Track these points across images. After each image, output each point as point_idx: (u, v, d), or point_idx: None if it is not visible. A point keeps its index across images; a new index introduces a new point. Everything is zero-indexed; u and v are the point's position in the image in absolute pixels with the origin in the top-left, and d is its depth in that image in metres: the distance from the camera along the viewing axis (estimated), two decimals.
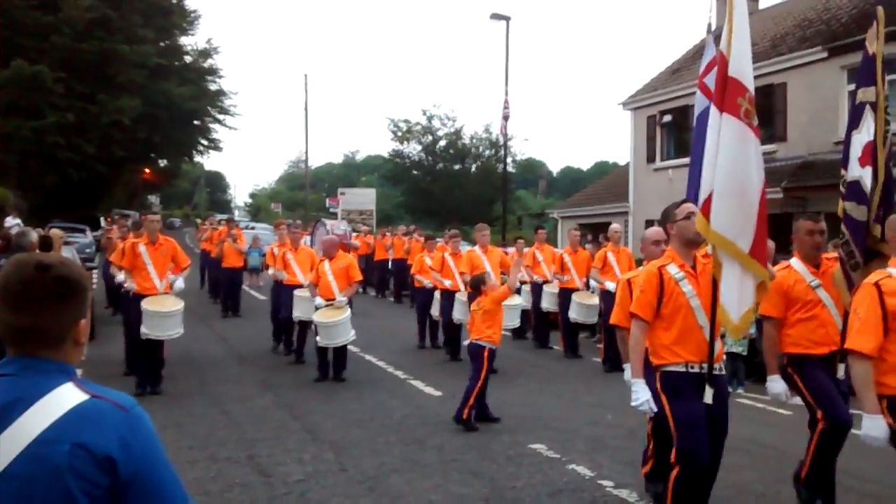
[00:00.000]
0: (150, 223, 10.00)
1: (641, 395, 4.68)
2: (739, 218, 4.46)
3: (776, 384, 5.28)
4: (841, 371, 5.05)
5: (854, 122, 5.23)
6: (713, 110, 4.61)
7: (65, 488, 1.71)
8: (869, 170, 5.06)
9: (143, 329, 9.39)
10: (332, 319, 10.36)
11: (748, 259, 4.46)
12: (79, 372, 7.06)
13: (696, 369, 4.61)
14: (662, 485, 5.17)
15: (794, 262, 5.36)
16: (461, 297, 11.87)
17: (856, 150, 5.14)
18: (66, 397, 1.79)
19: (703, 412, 4.58)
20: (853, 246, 5.04)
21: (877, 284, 4.05)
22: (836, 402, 5.10)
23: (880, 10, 5.23)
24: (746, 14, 4.66)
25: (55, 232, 11.98)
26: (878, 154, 5.09)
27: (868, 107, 5.14)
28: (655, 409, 4.70)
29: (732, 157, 4.45)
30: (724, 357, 5.11)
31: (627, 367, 5.75)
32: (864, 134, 5.13)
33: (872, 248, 4.96)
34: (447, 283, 12.57)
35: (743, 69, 4.52)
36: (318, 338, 10.42)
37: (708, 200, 4.50)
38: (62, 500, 1.72)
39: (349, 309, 10.69)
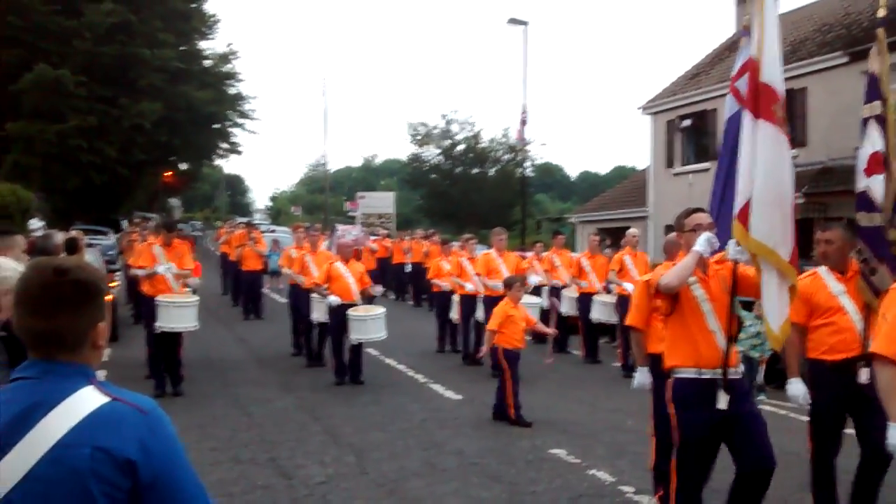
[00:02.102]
0: (166, 235, 10.11)
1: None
2: (779, 226, 4.46)
3: (796, 386, 5.30)
4: (863, 376, 5.04)
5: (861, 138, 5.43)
6: (748, 117, 4.59)
7: (86, 491, 1.73)
8: (876, 178, 5.20)
9: (159, 322, 9.50)
10: (374, 313, 10.52)
11: (788, 267, 4.48)
12: (101, 374, 7.14)
13: (708, 375, 4.60)
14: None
15: (822, 269, 5.40)
16: (482, 298, 11.96)
17: (861, 163, 5.31)
18: (87, 400, 1.81)
19: (712, 424, 4.56)
20: (867, 253, 5.16)
21: None
22: (826, 425, 5.22)
23: (881, 31, 5.40)
24: (777, 19, 4.64)
25: (77, 234, 12.12)
26: (890, 162, 5.22)
27: (872, 120, 5.31)
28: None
29: (771, 164, 4.45)
30: (741, 361, 5.11)
31: (641, 370, 5.81)
32: (868, 146, 5.30)
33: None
34: (468, 287, 12.57)
35: (774, 75, 4.53)
36: (354, 335, 10.46)
37: (745, 208, 4.48)
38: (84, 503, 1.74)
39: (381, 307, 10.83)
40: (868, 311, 5.13)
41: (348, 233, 22.52)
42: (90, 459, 1.74)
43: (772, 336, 4.63)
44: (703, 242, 4.49)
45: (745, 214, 4.49)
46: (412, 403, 9.47)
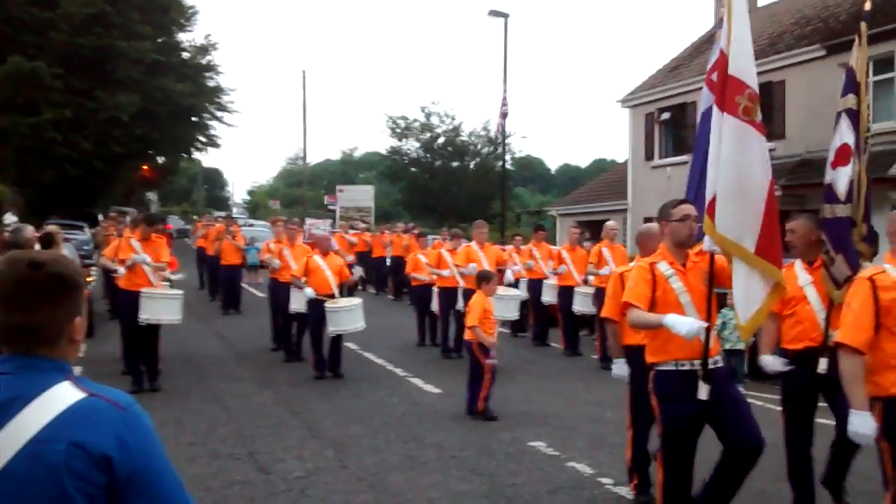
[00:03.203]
0: (145, 230, 9.95)
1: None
2: (742, 218, 4.47)
3: (765, 358, 5.48)
4: (822, 365, 5.13)
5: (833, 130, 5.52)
6: (715, 110, 4.63)
7: (62, 488, 1.71)
8: (841, 170, 5.28)
9: (143, 315, 9.36)
10: (351, 304, 10.49)
11: (756, 259, 4.48)
12: (77, 370, 7.03)
13: (687, 366, 4.62)
14: (652, 497, 5.30)
15: (797, 261, 5.50)
16: (461, 290, 11.97)
17: (830, 155, 5.40)
18: (63, 395, 1.78)
19: (693, 415, 4.59)
20: (827, 245, 5.29)
21: (871, 279, 4.03)
22: (794, 409, 5.37)
23: (864, 25, 5.52)
24: (746, 12, 4.68)
25: (53, 228, 11.97)
26: (861, 153, 5.31)
27: (844, 113, 5.38)
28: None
29: (733, 156, 4.48)
30: (722, 352, 5.16)
31: (618, 361, 5.86)
32: (837, 139, 5.39)
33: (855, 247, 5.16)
34: (445, 274, 12.57)
35: (742, 66, 4.55)
36: (331, 326, 10.43)
37: (713, 202, 4.52)
38: (59, 500, 1.71)
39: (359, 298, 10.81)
40: (831, 302, 5.21)
41: (316, 226, 22.42)
42: (65, 455, 1.71)
43: (740, 328, 4.67)
44: (685, 331, 4.40)
45: (712, 209, 4.53)
46: (392, 397, 9.45)
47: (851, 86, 5.43)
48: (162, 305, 9.51)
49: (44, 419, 1.74)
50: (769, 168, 4.61)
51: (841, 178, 5.29)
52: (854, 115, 5.37)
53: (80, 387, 1.82)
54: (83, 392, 1.81)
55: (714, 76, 5.42)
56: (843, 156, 5.32)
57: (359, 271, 12.12)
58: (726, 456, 4.67)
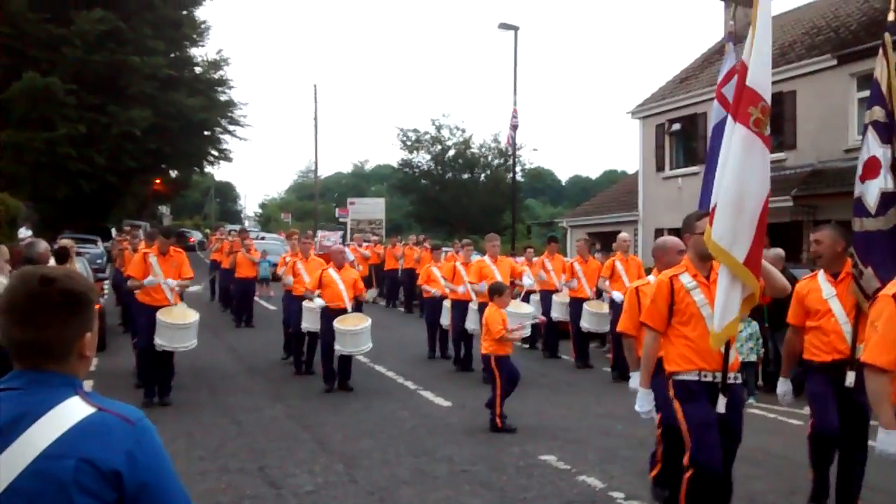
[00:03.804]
0: (163, 243, 9.99)
1: (645, 405, 4.97)
2: (736, 227, 4.47)
3: (782, 386, 5.64)
4: (849, 379, 5.12)
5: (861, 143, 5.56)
6: (729, 120, 4.65)
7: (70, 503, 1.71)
8: (870, 183, 5.30)
9: (159, 341, 9.44)
10: (357, 327, 10.46)
11: (742, 269, 4.46)
12: (88, 384, 7.07)
13: (710, 378, 4.65)
14: (669, 490, 5.22)
15: (820, 272, 5.55)
16: (473, 306, 11.92)
17: (858, 169, 5.43)
18: (73, 411, 1.78)
19: (715, 416, 4.62)
20: (855, 257, 5.31)
21: (895, 296, 3.93)
22: (826, 409, 5.33)
23: (887, 36, 5.44)
24: (770, 24, 4.67)
25: (67, 243, 12.06)
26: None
27: (870, 126, 5.41)
28: (655, 416, 4.75)
29: (737, 166, 4.49)
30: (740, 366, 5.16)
31: (634, 374, 5.81)
32: (865, 152, 5.41)
33: None
34: (460, 290, 12.53)
35: (759, 79, 4.56)
36: (337, 346, 10.43)
37: (714, 209, 4.54)
38: None
39: (368, 318, 10.78)
40: (858, 314, 5.19)
41: (326, 238, 22.42)
42: (74, 471, 1.71)
43: (713, 335, 4.57)
44: (638, 406, 4.93)
45: (713, 215, 4.53)
46: (402, 410, 9.43)
47: (878, 98, 5.43)
48: (178, 335, 9.55)
49: (53, 435, 1.74)
50: (769, 182, 4.61)
51: (870, 190, 5.31)
52: (882, 128, 5.36)
53: (90, 402, 1.82)
54: (93, 407, 1.81)
55: (724, 90, 5.42)
56: (871, 168, 5.33)
57: (372, 293, 12.15)
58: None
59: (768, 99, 4.58)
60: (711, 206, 4.59)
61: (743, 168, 4.48)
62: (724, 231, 4.46)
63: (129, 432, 1.80)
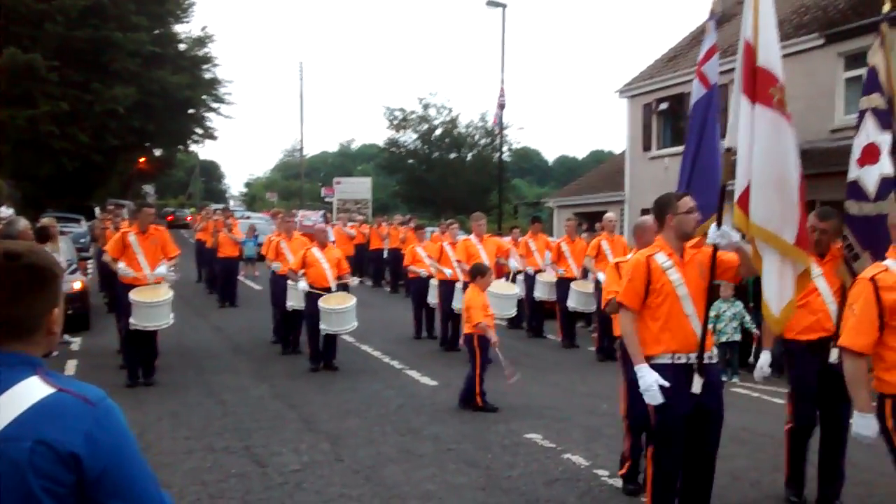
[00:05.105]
0: (145, 216, 9.89)
1: (648, 378, 4.58)
2: (781, 209, 4.49)
3: (764, 357, 5.66)
4: (834, 355, 5.19)
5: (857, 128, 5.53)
6: (744, 102, 4.60)
7: (27, 487, 1.65)
8: (869, 168, 5.31)
9: (132, 320, 9.28)
10: (343, 306, 10.44)
11: (795, 250, 4.51)
12: (73, 363, 7.07)
13: (683, 360, 4.63)
14: (640, 485, 5.32)
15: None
16: (459, 286, 11.93)
17: (855, 153, 5.41)
18: (31, 391, 1.72)
19: (685, 411, 4.60)
20: (852, 241, 5.33)
21: (872, 279, 3.92)
22: (807, 404, 5.44)
23: (885, 26, 5.51)
24: (772, 2, 4.65)
25: (48, 221, 11.94)
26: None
27: (869, 112, 5.40)
28: (661, 400, 4.57)
29: (769, 147, 4.49)
30: (716, 346, 5.18)
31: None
32: (863, 137, 5.41)
33: None
34: (447, 273, 12.51)
35: (770, 58, 4.56)
36: (322, 325, 10.40)
37: (745, 194, 4.52)
38: (25, 500, 1.65)
39: (353, 296, 10.74)
40: (843, 294, 5.22)
41: (307, 218, 22.27)
42: (30, 453, 1.65)
43: (773, 320, 4.69)
44: (644, 387, 4.61)
45: (744, 200, 4.51)
46: (388, 390, 9.44)
47: (875, 85, 5.44)
48: (151, 313, 9.35)
49: (9, 416, 1.68)
50: (799, 160, 4.63)
51: (869, 176, 5.32)
52: (883, 115, 5.36)
53: (50, 381, 1.76)
54: (52, 387, 1.74)
55: (705, 68, 5.40)
56: (870, 154, 5.34)
57: (354, 281, 12.09)
58: (684, 467, 4.76)
59: (782, 77, 4.58)
60: (741, 189, 4.55)
61: (777, 150, 4.50)
62: (772, 214, 4.48)
63: (89, 413, 1.73)
